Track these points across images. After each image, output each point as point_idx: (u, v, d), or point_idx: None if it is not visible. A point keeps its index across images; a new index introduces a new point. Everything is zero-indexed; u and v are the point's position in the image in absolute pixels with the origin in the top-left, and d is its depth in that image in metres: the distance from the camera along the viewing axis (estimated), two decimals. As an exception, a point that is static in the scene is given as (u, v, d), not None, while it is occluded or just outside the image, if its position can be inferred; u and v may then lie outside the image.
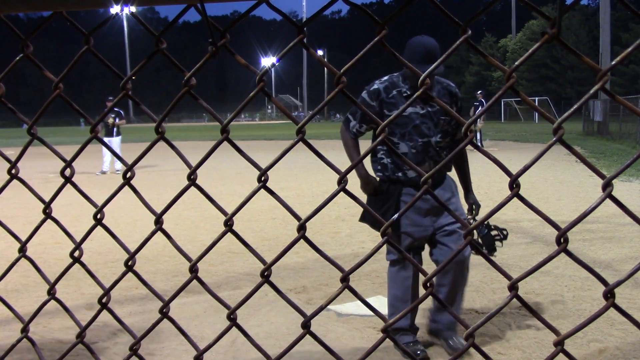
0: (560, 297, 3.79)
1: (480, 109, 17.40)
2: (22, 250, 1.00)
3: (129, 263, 0.92)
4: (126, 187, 0.90)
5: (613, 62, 0.68)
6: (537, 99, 44.91)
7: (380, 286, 4.16)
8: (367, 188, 2.90)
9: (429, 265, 4.56)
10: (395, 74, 2.88)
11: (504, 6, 78.38)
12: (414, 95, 0.77)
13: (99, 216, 0.93)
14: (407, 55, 2.67)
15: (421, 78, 0.73)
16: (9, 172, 0.97)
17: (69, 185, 0.93)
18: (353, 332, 3.31)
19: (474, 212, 3.05)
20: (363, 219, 2.98)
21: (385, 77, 2.88)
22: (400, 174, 2.84)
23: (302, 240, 0.80)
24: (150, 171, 12.68)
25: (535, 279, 4.10)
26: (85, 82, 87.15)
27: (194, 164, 0.84)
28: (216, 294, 0.90)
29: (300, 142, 0.77)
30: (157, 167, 13.37)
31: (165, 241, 0.88)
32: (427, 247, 3.04)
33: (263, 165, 0.81)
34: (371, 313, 3.18)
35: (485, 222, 2.96)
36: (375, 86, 2.86)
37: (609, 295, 0.71)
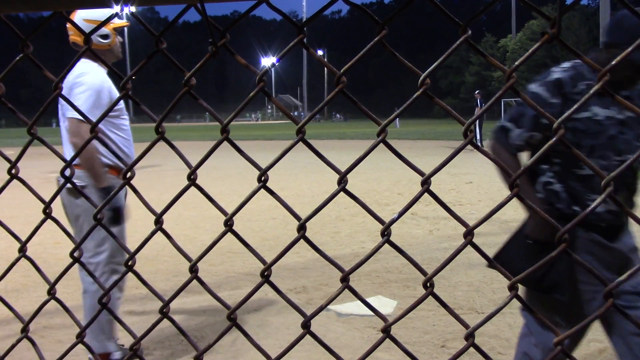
0: (560, 297, 3.79)
1: (477, 109, 17.41)
2: (22, 250, 1.00)
3: (129, 263, 0.92)
4: (126, 187, 0.90)
5: (613, 62, 0.68)
6: (537, 99, 44.83)
7: (380, 286, 4.16)
8: (544, 228, 1.93)
9: (428, 265, 4.57)
10: (577, 60, 2.00)
11: (504, 6, 78.43)
12: (414, 96, 0.77)
13: (98, 216, 0.93)
14: (624, 35, 1.84)
15: (421, 78, 0.73)
16: (9, 172, 0.97)
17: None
18: (353, 332, 3.31)
19: None
20: (508, 266, 1.96)
21: (567, 64, 2.04)
22: (579, 208, 1.95)
23: (302, 240, 0.79)
24: (150, 171, 12.68)
25: (535, 279, 4.10)
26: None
27: (194, 164, 0.84)
28: (216, 294, 0.90)
29: (300, 142, 0.77)
30: (157, 167, 13.37)
31: (165, 241, 0.88)
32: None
33: (263, 165, 0.81)
34: (371, 313, 3.19)
35: None
36: (557, 75, 1.98)
37: (609, 295, 0.71)
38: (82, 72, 2.65)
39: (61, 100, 2.64)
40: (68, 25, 2.69)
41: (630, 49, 0.64)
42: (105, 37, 2.75)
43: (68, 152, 2.69)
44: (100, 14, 2.65)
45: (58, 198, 2.74)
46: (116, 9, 0.76)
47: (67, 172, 0.93)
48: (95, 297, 2.72)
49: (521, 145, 2.00)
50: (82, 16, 2.67)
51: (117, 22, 2.83)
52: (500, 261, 2.04)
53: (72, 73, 2.65)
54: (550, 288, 1.93)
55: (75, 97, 2.60)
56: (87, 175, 2.67)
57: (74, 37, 2.75)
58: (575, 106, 0.67)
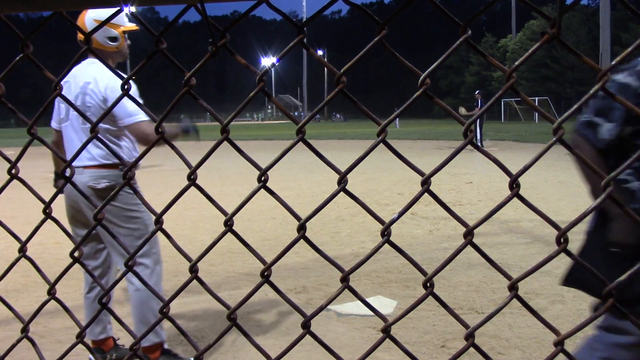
0: (560, 297, 3.79)
1: (476, 109, 17.41)
2: (22, 250, 1.00)
3: (129, 263, 0.92)
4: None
5: (613, 62, 0.68)
6: (537, 99, 44.95)
7: (380, 286, 4.16)
8: (633, 231, 1.76)
9: (428, 265, 4.57)
10: None
11: (504, 6, 78.45)
12: (414, 96, 0.77)
13: (99, 216, 0.93)
14: None
15: (421, 78, 0.73)
16: (9, 172, 0.97)
17: (69, 185, 0.93)
18: (353, 332, 3.31)
19: None
20: (579, 284, 1.89)
21: None
22: None
23: (302, 240, 0.79)
24: (150, 171, 12.68)
25: (535, 279, 4.09)
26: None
27: (194, 164, 0.84)
28: (216, 294, 0.90)
29: (300, 142, 0.77)
30: (157, 167, 13.37)
31: (165, 241, 0.88)
32: None
33: (263, 165, 0.81)
34: (371, 313, 3.18)
35: None
36: None
37: (609, 295, 0.71)
38: (114, 75, 2.65)
39: (83, 101, 2.66)
40: (78, 23, 2.69)
41: (630, 48, 0.64)
42: (114, 39, 2.76)
43: (73, 152, 2.69)
44: (108, 14, 2.66)
45: (60, 199, 2.76)
46: (116, 10, 0.76)
47: (67, 172, 0.93)
48: (143, 295, 2.75)
49: (611, 140, 1.82)
50: (92, 16, 2.68)
51: (127, 25, 2.83)
52: (573, 279, 1.90)
53: (105, 77, 2.64)
54: (635, 300, 1.68)
55: (127, 101, 2.59)
56: (115, 175, 2.68)
57: (82, 35, 2.75)
58: (573, 108, 0.67)
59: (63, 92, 2.83)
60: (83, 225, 2.85)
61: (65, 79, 2.76)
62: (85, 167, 2.67)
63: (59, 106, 2.85)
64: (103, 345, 2.92)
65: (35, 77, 76.88)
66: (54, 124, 2.90)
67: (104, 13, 2.66)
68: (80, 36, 2.75)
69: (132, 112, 2.59)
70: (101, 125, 2.69)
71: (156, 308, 2.78)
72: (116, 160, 2.70)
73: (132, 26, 2.88)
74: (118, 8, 0.77)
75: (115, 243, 2.73)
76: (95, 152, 2.66)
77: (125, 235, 2.70)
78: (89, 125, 2.69)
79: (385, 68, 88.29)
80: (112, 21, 2.69)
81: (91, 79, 2.66)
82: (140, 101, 2.68)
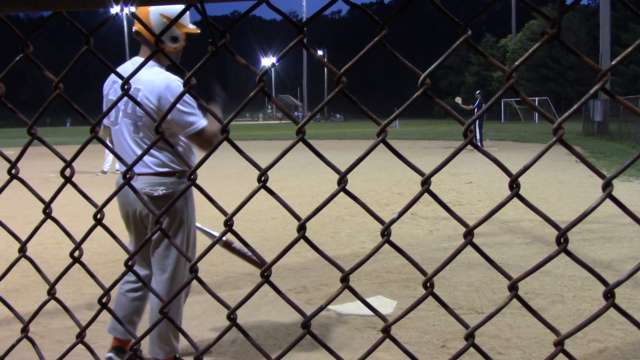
0: (560, 297, 3.79)
1: (476, 109, 17.40)
2: (22, 250, 1.00)
3: (129, 263, 0.92)
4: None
5: (613, 62, 0.68)
6: (537, 99, 44.96)
7: (380, 286, 4.16)
8: None
9: (428, 265, 4.57)
10: None
11: (504, 6, 78.45)
12: (414, 96, 0.77)
13: (99, 216, 0.93)
14: None
15: (421, 78, 0.73)
16: (9, 172, 0.97)
17: (69, 185, 0.93)
18: (353, 332, 3.31)
19: None
20: None
21: None
22: None
23: (302, 240, 0.80)
24: (150, 171, 12.67)
25: (535, 279, 4.10)
26: (85, 82, 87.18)
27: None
28: (216, 294, 0.90)
29: (300, 142, 0.77)
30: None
31: (165, 241, 0.88)
32: None
33: (263, 165, 0.81)
34: (371, 313, 3.18)
35: None
36: None
37: (609, 295, 0.71)
38: (167, 77, 2.51)
39: (126, 105, 2.53)
40: (141, 16, 2.54)
41: (630, 48, 0.64)
42: (175, 39, 2.61)
43: (128, 157, 2.50)
44: (177, 11, 2.51)
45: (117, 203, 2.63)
46: (116, 8, 0.76)
47: (67, 172, 0.93)
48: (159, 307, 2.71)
49: None
50: (159, 10, 2.52)
51: (190, 27, 2.69)
52: None
53: (158, 85, 2.46)
54: None
55: (187, 110, 2.46)
56: (172, 182, 2.56)
57: (140, 27, 2.59)
58: (573, 108, 0.67)
59: (112, 94, 2.69)
60: (139, 234, 2.72)
61: (114, 79, 2.63)
62: (138, 174, 2.53)
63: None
64: (125, 345, 2.92)
65: (35, 77, 76.89)
66: (105, 120, 2.67)
67: (170, 9, 2.50)
68: (138, 27, 2.58)
69: (192, 121, 2.41)
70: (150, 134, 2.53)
71: (177, 323, 2.73)
72: (170, 168, 2.54)
73: (195, 29, 2.72)
74: (115, 8, 0.77)
75: (162, 254, 2.65)
76: (148, 160, 2.49)
77: (169, 246, 2.62)
78: (141, 134, 2.51)
79: (385, 68, 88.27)
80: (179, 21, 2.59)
81: (142, 86, 2.48)
82: (194, 104, 2.49)
